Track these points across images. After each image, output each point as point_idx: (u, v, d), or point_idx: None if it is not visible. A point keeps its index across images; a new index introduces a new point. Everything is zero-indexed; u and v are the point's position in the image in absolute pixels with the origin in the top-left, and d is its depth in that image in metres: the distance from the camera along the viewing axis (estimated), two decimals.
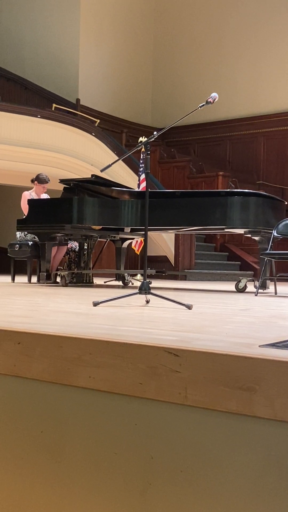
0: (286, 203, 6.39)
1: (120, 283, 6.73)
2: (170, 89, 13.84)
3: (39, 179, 6.91)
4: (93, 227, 6.14)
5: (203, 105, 3.75)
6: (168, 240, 9.72)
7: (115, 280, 7.02)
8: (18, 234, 6.80)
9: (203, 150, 13.44)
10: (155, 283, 6.21)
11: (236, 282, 6.13)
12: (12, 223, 6.88)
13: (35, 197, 6.86)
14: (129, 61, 13.57)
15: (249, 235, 5.96)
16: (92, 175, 6.40)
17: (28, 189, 7.08)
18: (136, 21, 13.63)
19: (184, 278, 9.45)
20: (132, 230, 6.36)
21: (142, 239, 7.38)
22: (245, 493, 1.51)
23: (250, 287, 6.20)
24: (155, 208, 5.77)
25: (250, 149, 12.87)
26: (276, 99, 12.47)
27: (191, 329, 2.22)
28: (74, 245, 6.78)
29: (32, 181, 6.99)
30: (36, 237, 6.55)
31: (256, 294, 5.17)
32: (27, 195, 6.83)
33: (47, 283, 6.16)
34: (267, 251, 5.41)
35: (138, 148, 3.91)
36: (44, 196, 7.03)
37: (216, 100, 3.77)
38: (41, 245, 6.28)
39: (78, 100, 12.08)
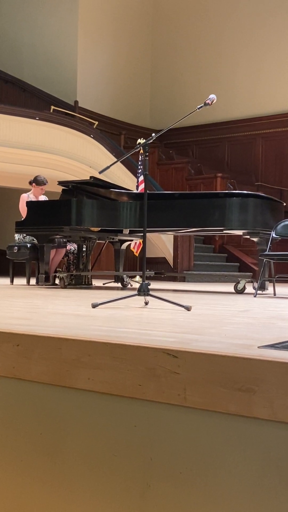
0: (284, 204, 6.39)
1: (119, 284, 6.73)
2: (168, 91, 13.84)
3: (37, 181, 6.92)
4: (92, 228, 6.14)
5: (201, 107, 3.75)
6: (167, 242, 9.72)
7: (114, 281, 7.02)
8: (16, 236, 6.80)
9: (202, 152, 13.45)
10: (154, 285, 6.20)
11: (235, 283, 6.13)
12: (11, 225, 6.88)
13: (33, 199, 6.86)
14: (127, 63, 13.58)
15: (248, 237, 5.97)
16: (91, 177, 6.40)
17: (26, 191, 7.08)
18: (134, 23, 13.64)
19: (183, 279, 9.44)
20: (131, 232, 6.36)
21: (141, 240, 7.38)
22: (245, 494, 1.51)
23: (249, 288, 6.20)
24: (154, 209, 5.76)
25: (248, 151, 12.88)
26: (275, 100, 12.48)
27: (190, 331, 2.22)
28: (73, 247, 6.78)
29: (30, 183, 7.00)
30: (34, 239, 6.56)
31: (255, 295, 5.17)
32: (25, 198, 6.84)
33: (46, 285, 6.17)
34: (266, 252, 5.41)
35: (137, 150, 3.92)
36: (42, 198, 7.04)
37: (214, 101, 3.77)
38: (39, 247, 6.28)
39: (76, 102, 12.08)
